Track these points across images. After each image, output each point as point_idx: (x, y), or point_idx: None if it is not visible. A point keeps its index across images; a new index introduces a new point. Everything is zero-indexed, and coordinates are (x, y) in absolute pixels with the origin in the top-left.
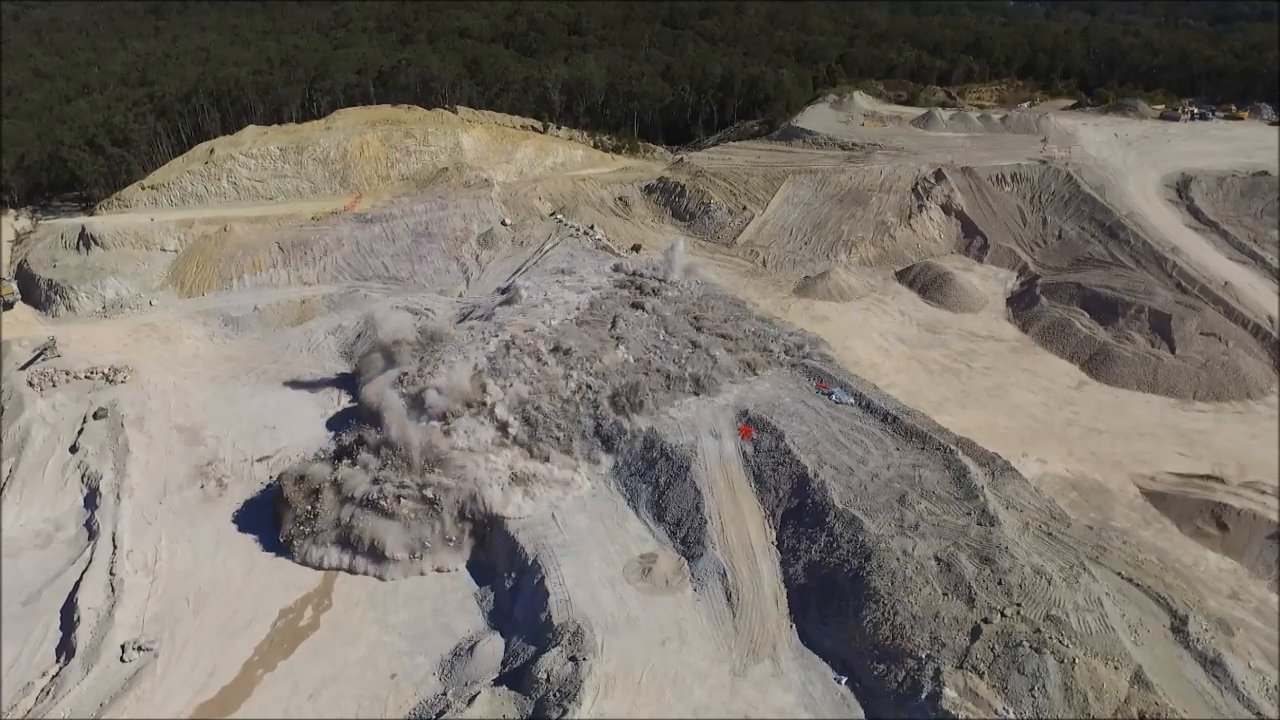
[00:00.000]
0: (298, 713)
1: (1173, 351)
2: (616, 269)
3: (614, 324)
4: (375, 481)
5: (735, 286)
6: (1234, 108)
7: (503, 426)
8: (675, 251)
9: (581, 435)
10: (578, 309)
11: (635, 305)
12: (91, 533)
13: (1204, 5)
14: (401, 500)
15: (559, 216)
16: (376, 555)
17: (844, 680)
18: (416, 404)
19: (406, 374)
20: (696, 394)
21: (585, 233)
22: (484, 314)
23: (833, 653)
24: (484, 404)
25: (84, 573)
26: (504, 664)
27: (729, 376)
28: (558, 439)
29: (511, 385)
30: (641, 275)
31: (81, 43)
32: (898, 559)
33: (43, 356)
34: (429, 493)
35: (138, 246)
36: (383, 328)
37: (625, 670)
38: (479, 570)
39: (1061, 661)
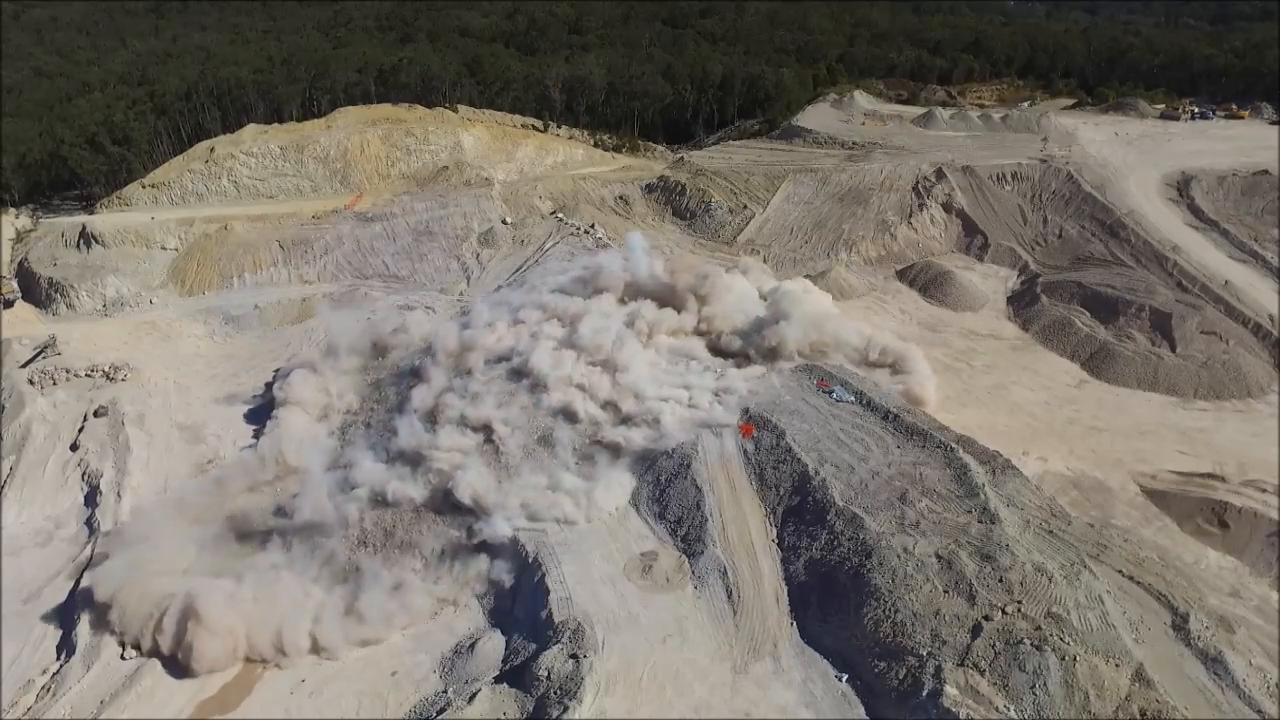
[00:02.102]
0: (298, 711)
1: (1173, 350)
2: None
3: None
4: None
5: None
6: (1234, 107)
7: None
8: (632, 247)
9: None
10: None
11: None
12: (92, 530)
13: (1204, 5)
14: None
15: (559, 215)
16: None
17: (845, 678)
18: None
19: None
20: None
21: (586, 231)
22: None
23: (834, 650)
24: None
25: (84, 570)
26: (505, 661)
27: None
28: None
29: (451, 436)
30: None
31: (82, 42)
32: (898, 556)
33: (43, 355)
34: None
35: (138, 245)
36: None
37: (626, 668)
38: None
39: (1062, 659)
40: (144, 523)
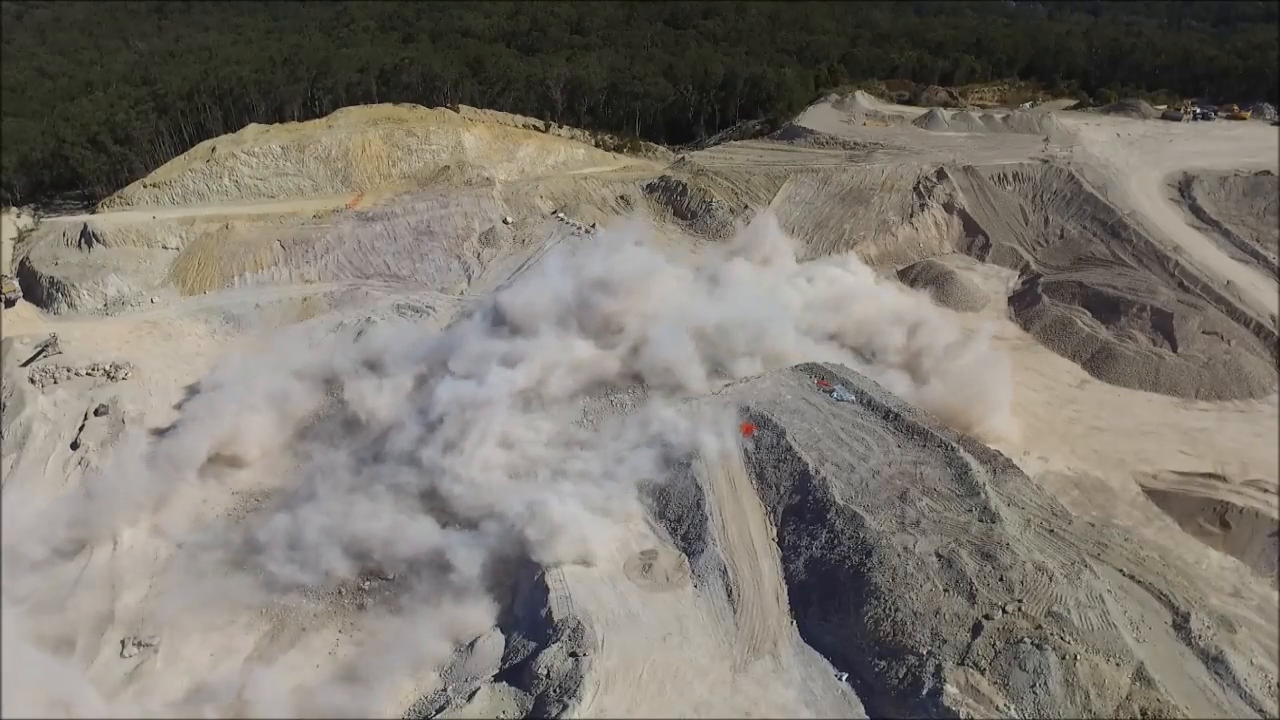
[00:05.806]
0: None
1: (1175, 350)
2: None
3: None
4: None
5: None
6: (1236, 108)
7: None
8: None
9: None
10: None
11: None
12: None
13: (1206, 6)
14: None
15: (560, 215)
16: None
17: (845, 677)
18: None
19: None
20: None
21: (587, 231)
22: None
23: (833, 649)
24: None
25: (84, 569)
26: (504, 660)
27: None
28: None
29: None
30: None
31: (84, 42)
32: (899, 555)
33: (44, 353)
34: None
35: (139, 244)
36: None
37: (626, 666)
38: None
39: (1063, 658)
40: None
